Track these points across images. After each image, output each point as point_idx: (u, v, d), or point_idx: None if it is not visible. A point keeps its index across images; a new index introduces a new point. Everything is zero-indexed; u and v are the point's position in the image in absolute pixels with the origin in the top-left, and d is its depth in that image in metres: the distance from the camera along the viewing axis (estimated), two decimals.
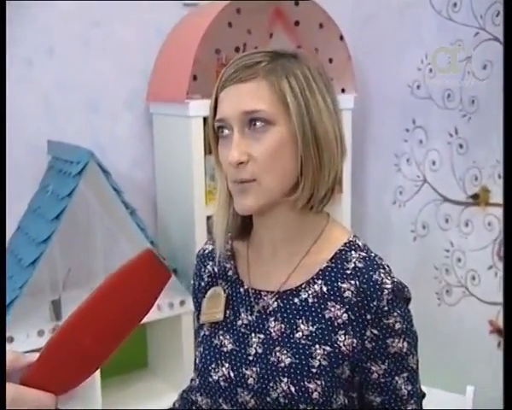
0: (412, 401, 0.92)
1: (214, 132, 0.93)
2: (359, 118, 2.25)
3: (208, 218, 1.91)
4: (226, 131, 0.90)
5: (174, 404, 1.10)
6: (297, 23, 2.13)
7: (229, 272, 1.01)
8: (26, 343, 1.65)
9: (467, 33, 1.97)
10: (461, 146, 2.05)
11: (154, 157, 2.11)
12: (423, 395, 0.96)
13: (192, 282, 1.09)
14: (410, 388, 0.91)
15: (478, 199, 2.02)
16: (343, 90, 2.15)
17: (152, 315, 1.81)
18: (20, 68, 1.85)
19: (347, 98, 2.11)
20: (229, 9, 1.92)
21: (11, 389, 0.72)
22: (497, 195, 1.95)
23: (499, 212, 1.95)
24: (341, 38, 2.09)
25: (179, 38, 1.99)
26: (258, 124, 0.87)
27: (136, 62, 2.05)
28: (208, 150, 1.93)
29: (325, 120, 0.89)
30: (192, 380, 1.11)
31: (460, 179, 2.07)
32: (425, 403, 0.97)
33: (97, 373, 1.72)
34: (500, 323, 1.97)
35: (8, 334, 1.62)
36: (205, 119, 1.84)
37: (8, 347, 1.62)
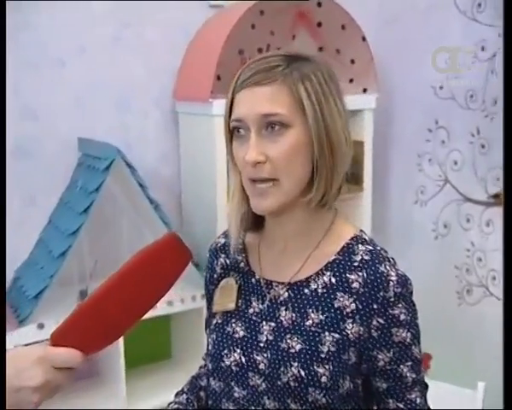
0: (416, 389, 0.96)
1: (229, 131, 0.96)
2: (381, 118, 2.26)
3: None
4: (242, 131, 0.93)
5: (183, 388, 1.15)
6: (319, 24, 2.15)
7: (241, 264, 1.05)
8: None
9: (491, 33, 1.97)
10: (483, 146, 2.06)
11: (179, 154, 2.17)
12: (426, 386, 1.00)
13: (204, 274, 1.14)
14: (414, 376, 0.96)
15: (499, 199, 2.02)
16: (365, 90, 2.17)
17: (175, 308, 1.88)
18: (52, 68, 1.94)
19: (369, 98, 2.14)
20: (253, 11, 1.96)
21: (35, 349, 0.76)
22: None
23: None
24: (364, 38, 2.11)
25: (204, 39, 2.04)
26: (275, 126, 0.90)
27: (164, 62, 2.11)
28: None
29: (337, 123, 0.92)
30: (201, 367, 1.17)
31: (481, 179, 2.07)
32: (440, 396, 1.00)
33: (122, 362, 1.79)
34: None
35: (38, 321, 1.71)
36: None
37: (39, 333, 1.70)
